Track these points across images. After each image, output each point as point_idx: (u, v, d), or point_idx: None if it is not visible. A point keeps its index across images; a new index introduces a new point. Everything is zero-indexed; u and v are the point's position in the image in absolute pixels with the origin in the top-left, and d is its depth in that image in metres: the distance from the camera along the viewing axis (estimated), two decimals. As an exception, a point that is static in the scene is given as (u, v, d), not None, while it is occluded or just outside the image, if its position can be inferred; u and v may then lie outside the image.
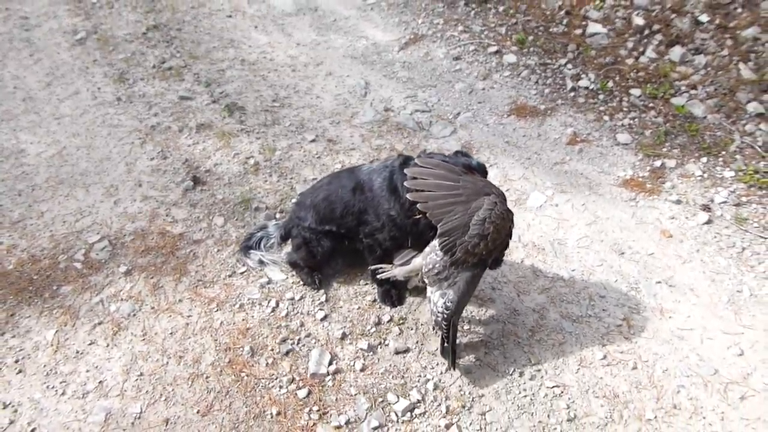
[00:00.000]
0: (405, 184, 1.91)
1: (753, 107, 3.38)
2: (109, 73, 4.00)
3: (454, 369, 2.09)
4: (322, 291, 2.47)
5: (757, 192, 2.99)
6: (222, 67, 4.01)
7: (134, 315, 2.42)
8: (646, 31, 3.97)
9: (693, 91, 3.58)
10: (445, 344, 2.08)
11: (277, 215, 2.85)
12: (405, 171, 1.94)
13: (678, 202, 2.96)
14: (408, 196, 1.89)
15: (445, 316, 1.93)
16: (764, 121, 3.31)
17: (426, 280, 2.01)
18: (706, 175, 3.11)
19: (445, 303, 1.93)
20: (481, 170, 2.01)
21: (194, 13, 4.64)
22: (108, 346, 2.31)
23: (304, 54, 4.17)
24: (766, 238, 2.75)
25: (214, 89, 3.78)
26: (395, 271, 2.04)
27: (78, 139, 3.42)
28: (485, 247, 1.83)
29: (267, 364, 2.20)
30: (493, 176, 3.07)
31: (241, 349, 2.25)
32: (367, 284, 2.50)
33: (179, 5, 4.74)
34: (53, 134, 3.46)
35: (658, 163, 3.19)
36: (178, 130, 3.44)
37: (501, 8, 4.53)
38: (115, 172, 3.17)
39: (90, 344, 2.32)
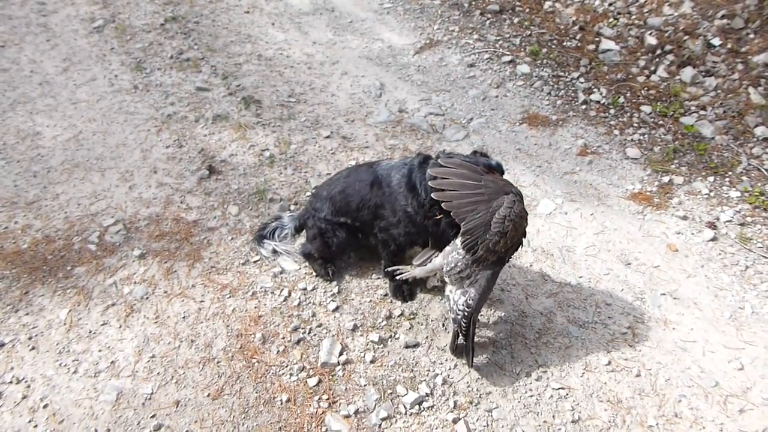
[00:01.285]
0: (429, 183, 1.95)
1: (761, 131, 3.45)
2: (127, 61, 4.03)
3: (471, 366, 2.13)
4: (334, 283, 2.50)
5: (762, 213, 3.05)
6: (239, 61, 4.06)
7: (147, 298, 2.45)
8: (658, 51, 4.04)
9: (702, 112, 3.65)
10: (459, 341, 2.12)
11: (292, 207, 2.89)
12: (429, 171, 1.98)
13: (684, 218, 3.01)
14: (433, 195, 1.92)
15: (466, 314, 1.97)
16: (771, 144, 3.38)
17: (447, 279, 2.05)
18: (712, 194, 3.16)
19: (466, 301, 1.96)
20: (500, 170, 2.05)
21: (212, 8, 4.69)
22: (120, 327, 2.34)
23: (320, 53, 4.22)
24: (768, 258, 2.80)
25: (231, 82, 3.82)
26: (415, 271, 2.07)
27: (94, 124, 3.45)
28: (504, 244, 1.88)
29: (278, 351, 2.23)
30: (505, 182, 3.12)
31: (253, 336, 2.28)
32: (378, 278, 2.54)
33: (198, -1, 4.80)
34: (69, 118, 3.49)
35: (666, 179, 3.24)
36: (194, 120, 3.48)
37: (516, 20, 4.59)
38: (131, 158, 3.20)
39: (103, 325, 2.35)
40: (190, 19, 4.51)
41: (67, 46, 4.13)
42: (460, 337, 2.09)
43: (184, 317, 2.36)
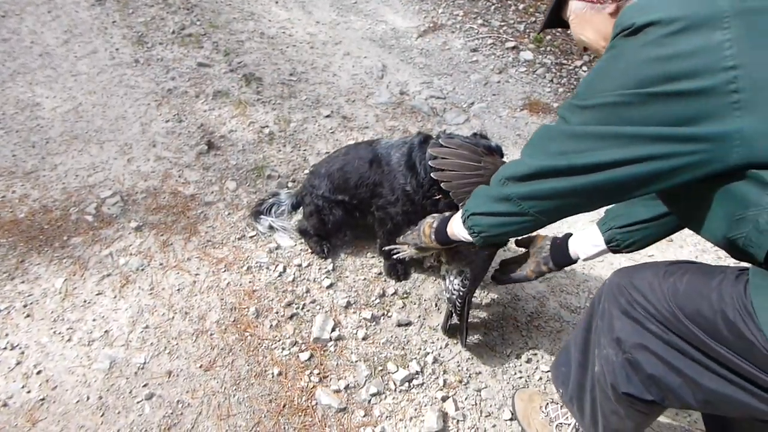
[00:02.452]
0: (429, 163, 1.95)
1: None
2: (128, 35, 4.01)
3: (464, 346, 2.14)
4: (329, 260, 2.51)
5: (758, 205, 3.05)
6: (241, 38, 4.03)
7: (142, 270, 2.46)
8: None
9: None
10: (452, 321, 2.13)
11: (289, 184, 2.89)
12: (429, 150, 1.98)
13: (681, 207, 3.02)
14: (432, 175, 1.93)
15: (461, 293, 1.98)
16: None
17: (443, 259, 2.05)
18: (710, 184, 3.16)
19: (462, 281, 1.97)
20: (500, 152, 2.05)
21: (216, -16, 4.65)
22: (115, 297, 2.35)
23: (323, 32, 4.20)
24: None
25: (233, 59, 3.81)
26: (412, 251, 2.08)
27: (94, 96, 3.44)
28: None
29: (271, 326, 2.25)
30: (503, 166, 3.13)
31: (247, 309, 2.30)
32: (373, 257, 2.55)
33: (202, -26, 4.76)
34: (69, 90, 3.48)
35: (664, 169, 3.24)
36: (194, 96, 3.47)
37: (521, 6, 4.57)
38: (130, 131, 3.19)
39: (98, 294, 2.36)
40: (193, -6, 4.48)
41: (68, 18, 4.11)
42: (454, 317, 2.10)
43: (178, 289, 2.38)
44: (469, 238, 1.61)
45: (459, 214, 1.68)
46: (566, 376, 1.67)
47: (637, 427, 1.49)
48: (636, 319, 1.33)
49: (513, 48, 4.14)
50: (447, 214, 1.88)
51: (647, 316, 1.30)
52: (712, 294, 1.16)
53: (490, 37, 4.26)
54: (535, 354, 2.23)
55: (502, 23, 4.38)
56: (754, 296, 1.08)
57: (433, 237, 1.86)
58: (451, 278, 2.02)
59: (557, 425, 1.83)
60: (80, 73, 3.60)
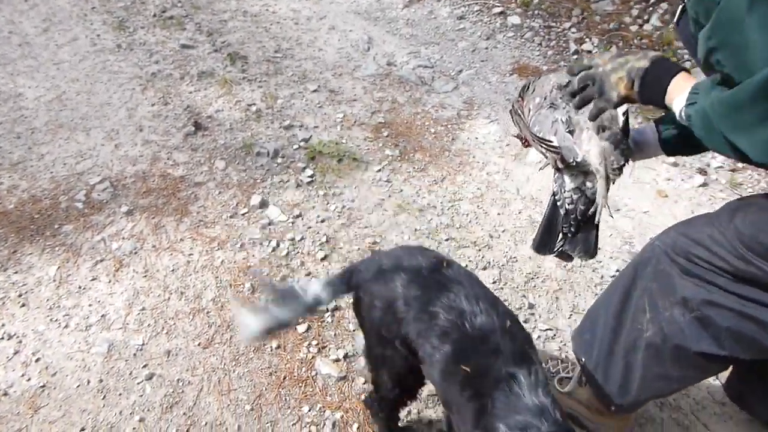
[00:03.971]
0: None
1: (753, 74, 3.41)
2: (108, 20, 3.95)
3: (594, 255, 1.57)
4: (322, 232, 2.50)
5: (753, 157, 3.03)
6: (224, 18, 3.97)
7: (136, 253, 2.44)
8: (652, 0, 3.96)
9: (694, 60, 3.59)
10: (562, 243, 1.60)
11: (279, 160, 2.86)
12: None
13: (675, 164, 3.00)
14: None
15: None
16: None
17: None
18: (703, 139, 3.14)
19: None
20: None
21: (195, -36, 4.57)
22: (110, 282, 2.34)
23: (307, 8, 4.13)
24: (759, 201, 2.79)
25: (216, 39, 3.75)
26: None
27: (78, 84, 3.40)
28: None
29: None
30: (494, 131, 3.09)
31: (242, 286, 2.29)
32: (367, 227, 2.53)
33: (180, -45, 4.67)
34: (52, 79, 3.43)
35: (657, 126, 3.21)
36: (179, 78, 3.42)
37: (506, -30, 4.48)
38: (116, 117, 3.16)
39: (92, 280, 2.35)
40: (173, -24, 4.40)
41: (46, 6, 4.04)
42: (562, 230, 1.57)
43: (173, 270, 2.37)
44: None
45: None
46: (590, 344, 1.62)
47: (679, 389, 1.47)
48: (700, 276, 1.29)
49: (500, 13, 4.08)
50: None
51: (713, 270, 1.26)
52: None
53: (476, 3, 4.19)
54: (533, 314, 2.22)
55: (488, -11, 4.32)
56: None
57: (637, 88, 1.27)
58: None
59: (558, 380, 1.83)
60: (62, 62, 3.55)
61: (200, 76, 3.43)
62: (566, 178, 1.51)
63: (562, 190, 1.53)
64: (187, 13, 4.01)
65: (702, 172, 2.97)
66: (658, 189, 2.86)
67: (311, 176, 2.79)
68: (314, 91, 3.33)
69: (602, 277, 2.39)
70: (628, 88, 1.26)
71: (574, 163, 1.42)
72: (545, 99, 1.54)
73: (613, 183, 1.42)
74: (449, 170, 2.87)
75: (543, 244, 1.62)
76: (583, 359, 1.67)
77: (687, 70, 1.24)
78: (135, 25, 3.90)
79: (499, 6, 4.15)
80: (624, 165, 1.39)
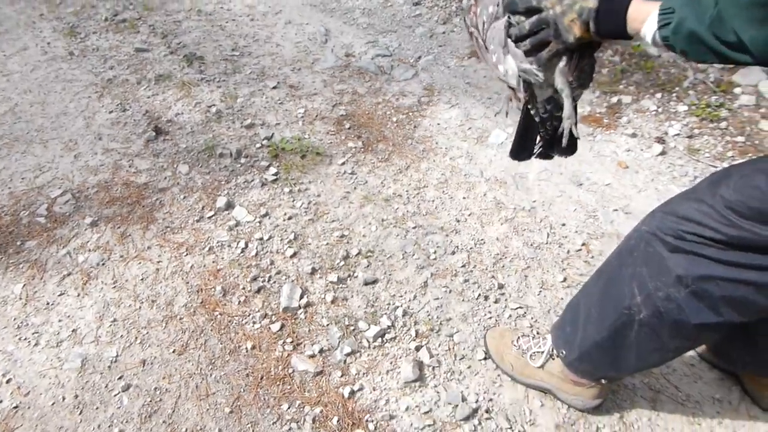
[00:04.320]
0: None
1: (704, 42, 3.48)
2: (58, 27, 3.86)
3: (575, 152, 1.56)
4: (290, 230, 2.50)
5: (709, 125, 3.11)
6: (178, 18, 3.91)
7: (103, 264, 2.42)
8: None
9: (648, 29, 3.66)
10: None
11: (242, 159, 2.85)
12: None
13: (633, 135, 3.06)
14: None
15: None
16: (715, 55, 3.41)
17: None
18: (660, 110, 3.21)
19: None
20: None
21: (144, -36, 4.47)
22: (79, 295, 2.31)
23: (263, 3, 4.09)
24: (716, 167, 2.87)
25: (171, 40, 3.69)
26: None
27: (30, 95, 3.32)
28: None
29: (239, 302, 2.24)
30: (455, 116, 3.11)
31: (213, 289, 2.29)
32: (334, 221, 2.54)
33: (128, -44, 4.57)
34: (3, 92, 3.35)
35: (614, 100, 3.27)
36: (136, 82, 3.37)
37: (459, -48, 4.49)
38: (73, 126, 3.10)
39: (60, 295, 2.32)
40: (122, -22, 4.31)
41: (-8, 18, 3.93)
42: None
43: (142, 279, 2.35)
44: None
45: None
46: (571, 335, 1.66)
47: (673, 359, 1.54)
48: (690, 251, 1.31)
49: (456, -4, 4.10)
50: None
51: (704, 242, 1.28)
52: (757, 179, 1.16)
53: (431, -12, 4.20)
54: (503, 293, 2.27)
55: (443, -27, 4.32)
56: None
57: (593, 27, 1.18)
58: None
59: (531, 355, 1.87)
60: (12, 72, 3.46)
61: (157, 79, 3.38)
62: (536, 92, 1.48)
63: (534, 102, 1.50)
64: (140, 15, 3.94)
65: (660, 140, 3.04)
66: (618, 161, 2.92)
67: (275, 174, 2.79)
68: (274, 87, 3.31)
69: (569, 252, 2.45)
70: (583, 30, 1.18)
71: (538, 84, 1.39)
72: (498, 6, 1.47)
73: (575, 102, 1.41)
74: (413, 158, 2.89)
75: (521, 149, 1.62)
76: (563, 352, 1.71)
77: None
78: (87, 31, 3.81)
79: (454, -11, 4.16)
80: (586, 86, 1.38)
